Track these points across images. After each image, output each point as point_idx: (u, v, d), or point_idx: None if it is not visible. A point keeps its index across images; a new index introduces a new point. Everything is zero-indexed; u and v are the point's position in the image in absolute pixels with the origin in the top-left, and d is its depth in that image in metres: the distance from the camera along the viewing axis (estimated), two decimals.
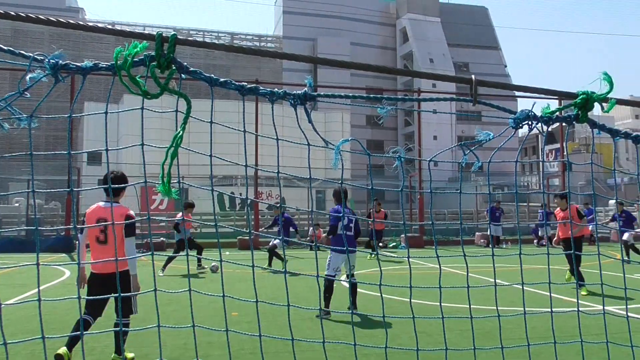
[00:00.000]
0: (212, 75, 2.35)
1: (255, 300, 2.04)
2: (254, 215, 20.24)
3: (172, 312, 6.96)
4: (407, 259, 1.98)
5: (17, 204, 26.11)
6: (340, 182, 2.25)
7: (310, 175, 2.29)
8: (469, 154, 2.14)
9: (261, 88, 2.32)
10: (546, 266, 2.18)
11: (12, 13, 2.07)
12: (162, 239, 18.76)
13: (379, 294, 7.41)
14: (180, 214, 11.40)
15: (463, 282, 2.08)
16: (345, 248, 6.09)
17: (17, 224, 22.68)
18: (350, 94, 2.50)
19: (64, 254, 16.37)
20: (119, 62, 2.06)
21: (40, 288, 3.69)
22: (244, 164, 2.27)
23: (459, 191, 2.33)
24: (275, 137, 2.27)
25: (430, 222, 14.62)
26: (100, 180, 5.19)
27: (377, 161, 35.25)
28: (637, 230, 12.43)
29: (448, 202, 31.95)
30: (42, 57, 2.04)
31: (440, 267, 2.29)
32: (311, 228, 20.58)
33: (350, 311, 3.66)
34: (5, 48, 2.11)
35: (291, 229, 13.81)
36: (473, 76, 2.19)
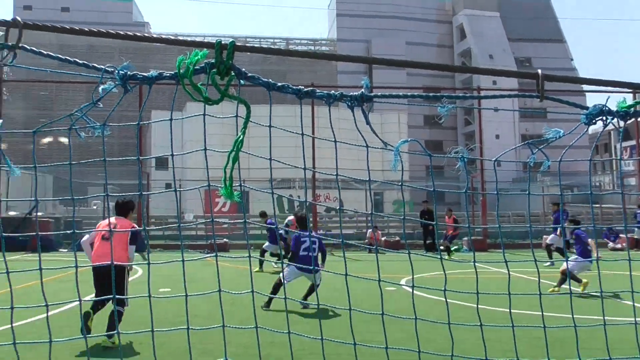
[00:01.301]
0: (269, 80, 2.38)
1: (316, 303, 2.03)
2: (312, 217, 20.38)
3: (235, 311, 7.12)
4: (472, 263, 1.91)
5: (94, 207, 27.65)
6: (400, 183, 2.21)
7: (369, 177, 2.27)
8: (537, 152, 2.04)
9: (318, 91, 2.33)
10: (627, 272, 2.04)
11: (86, 29, 2.18)
12: (225, 240, 19.22)
13: (443, 299, 7.20)
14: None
15: (529, 288, 1.99)
16: (305, 266, 7.13)
17: (94, 225, 24.03)
18: (408, 94, 2.46)
19: (136, 253, 17.14)
20: (181, 71, 2.12)
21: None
22: (303, 167, 2.28)
23: (526, 192, 2.23)
24: (334, 140, 2.26)
25: (497, 225, 14.17)
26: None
27: (436, 162, 34.56)
28: None
29: (512, 204, 30.80)
30: (112, 69, 2.14)
31: (509, 271, 2.20)
32: (369, 230, 20.47)
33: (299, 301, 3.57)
34: (81, 62, 2.23)
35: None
36: (539, 71, 2.09)
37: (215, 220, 2.30)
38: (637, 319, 2.08)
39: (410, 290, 8.37)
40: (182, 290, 2.46)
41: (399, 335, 5.90)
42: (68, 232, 2.67)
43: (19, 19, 2.02)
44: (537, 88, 2.05)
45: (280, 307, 7.04)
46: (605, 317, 2.04)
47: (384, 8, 57.41)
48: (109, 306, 5.44)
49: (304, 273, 7.48)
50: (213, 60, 2.16)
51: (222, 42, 2.16)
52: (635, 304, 1.95)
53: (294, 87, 2.34)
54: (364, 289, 8.95)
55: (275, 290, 7.52)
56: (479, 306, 1.96)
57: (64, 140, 45.03)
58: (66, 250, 17.77)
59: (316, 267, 7.38)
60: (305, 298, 7.53)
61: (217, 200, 29.26)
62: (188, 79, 2.15)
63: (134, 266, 12.31)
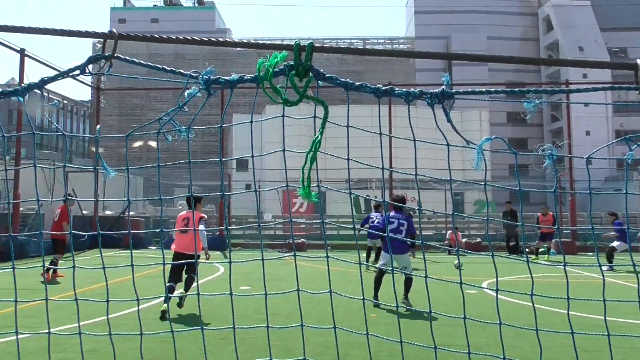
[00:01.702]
0: (347, 80, 2.38)
1: (395, 305, 2.00)
2: None
3: (313, 309, 7.20)
4: (561, 266, 1.79)
5: (180, 207, 29.21)
6: (483, 183, 2.13)
7: (450, 177, 2.21)
8: (635, 149, 1.88)
9: (396, 89, 2.30)
10: None
11: (173, 37, 2.31)
12: (302, 240, 19.54)
13: (528, 304, 6.86)
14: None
15: (625, 295, 1.84)
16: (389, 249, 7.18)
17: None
18: (491, 89, 2.36)
19: (218, 252, 17.83)
20: (261, 74, 2.18)
21: (199, 283, 4.26)
22: (381, 167, 2.26)
23: (622, 192, 2.06)
24: (413, 139, 2.23)
25: (590, 227, 13.28)
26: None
27: (521, 161, 33.00)
28: None
29: (605, 204, 28.75)
30: (196, 74, 2.24)
31: (603, 276, 2.05)
32: (449, 231, 19.92)
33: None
34: (168, 69, 2.36)
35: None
36: (638, 60, 1.93)
37: (293, 220, 2.34)
38: None
39: (492, 293, 8.06)
40: (261, 288, 2.52)
41: (481, 339, 5.69)
42: (157, 230, 2.83)
43: (114, 30, 2.17)
44: (636, 79, 1.89)
45: (358, 307, 7.03)
46: None
47: (464, 2, 55.69)
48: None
49: (394, 255, 7.38)
50: (292, 62, 2.20)
51: (301, 44, 2.19)
52: None
53: (372, 86, 2.32)
54: (445, 292, 8.75)
55: (377, 282, 7.51)
56: (570, 312, 1.84)
57: (153, 143, 47.91)
58: (155, 247, 18.86)
59: (401, 251, 7.42)
60: (406, 296, 7.39)
61: (295, 201, 29.81)
62: (268, 81, 2.20)
63: (215, 264, 12.87)
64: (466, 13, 55.61)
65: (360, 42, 57.36)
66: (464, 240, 19.16)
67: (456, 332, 5.98)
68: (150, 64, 2.33)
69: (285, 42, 2.38)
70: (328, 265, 1.97)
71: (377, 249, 12.43)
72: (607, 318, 1.85)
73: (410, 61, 50.77)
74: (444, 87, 2.12)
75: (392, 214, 7.82)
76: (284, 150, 2.25)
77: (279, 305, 7.24)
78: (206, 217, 7.34)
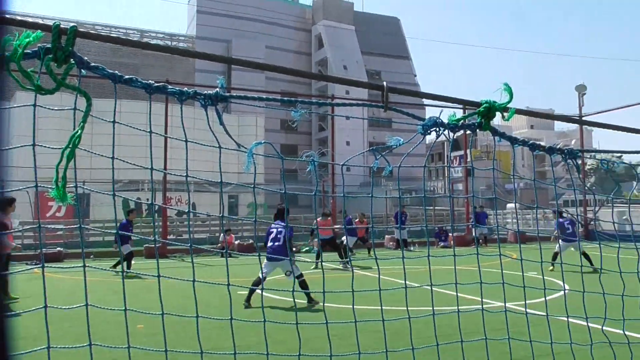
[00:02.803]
0: (116, 72, 2.20)
1: (161, 312, 1.92)
2: (162, 222, 19.38)
3: (69, 328, 6.48)
4: (319, 262, 1.97)
5: None
6: (252, 186, 2.20)
7: (221, 180, 2.22)
8: (380, 159, 2.18)
9: (169, 87, 2.21)
10: (452, 267, 2.28)
11: None
12: (59, 249, 17.40)
13: (291, 299, 7.28)
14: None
15: (374, 285, 2.11)
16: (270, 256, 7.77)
17: None
18: (264, 97, 2.46)
19: None
20: (7, 53, 1.86)
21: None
22: (150, 167, 2.15)
23: (370, 195, 2.36)
24: (185, 139, 2.17)
25: (343, 226, 14.94)
26: None
27: (290, 165, 35.42)
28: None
29: (360, 206, 32.75)
30: None
31: (352, 270, 2.31)
32: (222, 234, 20.17)
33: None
34: None
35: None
36: (385, 83, 2.24)
37: (47, 226, 2.05)
38: (459, 307, 2.33)
39: (265, 294, 8.42)
40: None
41: (253, 339, 5.88)
42: None
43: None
44: (382, 99, 2.19)
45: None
46: (435, 308, 2.25)
47: (246, 10, 57.34)
48: None
49: (275, 263, 7.90)
50: (49, 45, 1.94)
51: (62, 26, 1.94)
52: (459, 294, 2.18)
53: (144, 81, 2.19)
54: (217, 295, 8.80)
55: (254, 287, 7.67)
56: (326, 304, 2.03)
57: None
58: None
59: (283, 257, 7.79)
60: (309, 298, 7.87)
61: (51, 204, 26.41)
62: (16, 62, 1.90)
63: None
64: (248, 20, 57.37)
65: (137, 33, 54.14)
66: (236, 242, 19.62)
67: (227, 333, 6.07)
68: None
69: (46, 22, 2.09)
70: (85, 276, 1.78)
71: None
72: (355, 307, 2.09)
73: (191, 60, 50.02)
74: (218, 89, 2.13)
75: (273, 224, 8.44)
76: (33, 144, 1.96)
77: (28, 326, 6.29)
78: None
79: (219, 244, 19.17)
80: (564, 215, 13.03)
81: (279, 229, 8.14)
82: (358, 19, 63.24)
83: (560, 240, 11.96)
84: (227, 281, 2.08)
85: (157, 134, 2.11)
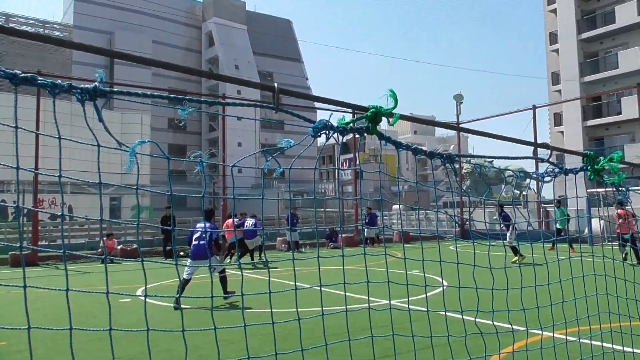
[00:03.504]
0: None
1: (27, 327, 1.73)
2: (33, 227, 17.63)
3: None
4: (208, 267, 1.90)
5: None
6: (136, 187, 2.06)
7: (100, 180, 2.05)
8: (270, 160, 2.16)
9: (40, 79, 2.00)
10: (341, 267, 2.33)
11: None
12: None
13: (170, 305, 7.03)
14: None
15: (265, 288, 2.08)
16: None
17: None
18: (149, 93, 2.32)
19: None
20: None
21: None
22: (16, 167, 1.93)
23: (261, 197, 2.34)
24: (58, 136, 1.98)
25: (234, 229, 14.71)
26: None
27: (178, 166, 34.16)
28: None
29: (252, 208, 32.55)
30: None
31: (242, 273, 2.26)
32: (104, 239, 18.89)
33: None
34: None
35: None
36: (276, 84, 2.22)
37: None
38: (348, 306, 2.38)
39: (149, 300, 8.03)
40: None
41: (136, 349, 5.56)
42: None
43: None
44: (274, 100, 2.17)
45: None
46: (325, 308, 2.28)
47: (130, 1, 54.29)
48: None
49: (198, 262, 8.16)
50: None
51: None
52: (348, 294, 2.23)
53: (9, 70, 1.96)
54: (98, 303, 8.19)
55: (183, 287, 7.81)
56: (214, 309, 1.96)
57: None
58: None
59: (205, 257, 8.02)
60: (225, 293, 8.22)
61: None
62: None
63: None
64: (132, 12, 54.40)
65: (1, 17, 48.87)
66: (119, 247, 18.52)
67: (107, 345, 5.68)
68: None
69: None
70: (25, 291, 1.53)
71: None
72: (244, 310, 2.05)
73: (67, 51, 46.23)
74: (97, 83, 1.96)
75: (199, 224, 9.08)
76: None
77: None
78: None
79: (99, 250, 17.96)
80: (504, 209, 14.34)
81: (204, 230, 8.57)
82: (250, 19, 62.82)
83: (508, 233, 13.34)
84: (106, 289, 1.92)
85: (23, 129, 1.90)
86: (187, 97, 2.16)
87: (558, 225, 17.10)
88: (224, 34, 58.94)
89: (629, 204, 3.64)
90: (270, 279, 2.20)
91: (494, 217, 19.25)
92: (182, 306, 7.48)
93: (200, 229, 8.51)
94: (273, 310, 2.16)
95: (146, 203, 35.94)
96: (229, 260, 14.71)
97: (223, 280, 8.43)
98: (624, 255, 11.89)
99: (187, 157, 2.29)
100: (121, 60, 46.50)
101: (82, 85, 2.00)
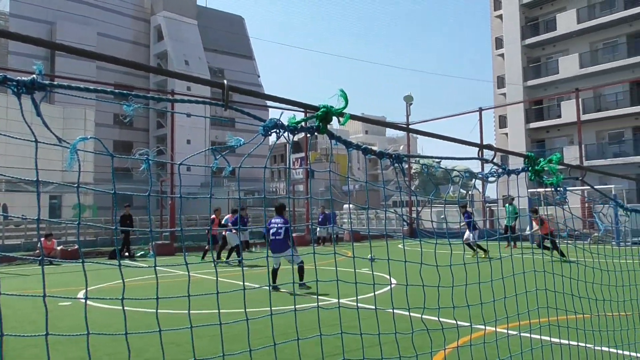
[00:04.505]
0: None
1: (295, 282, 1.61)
2: None
3: None
4: (153, 268, 1.84)
5: None
6: (77, 185, 1.97)
7: (37, 178, 1.95)
8: (219, 158, 2.12)
9: None
10: (291, 266, 2.32)
11: None
12: None
13: (113, 307, 6.83)
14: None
15: (213, 288, 2.05)
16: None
17: None
18: (93, 88, 2.23)
19: None
20: None
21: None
22: None
23: (209, 196, 2.29)
24: None
25: (180, 229, 14.35)
26: None
27: (123, 164, 33.02)
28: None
29: (201, 208, 31.98)
30: None
31: (189, 274, 2.21)
32: (42, 239, 18.05)
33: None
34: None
35: None
36: (225, 81, 2.18)
37: None
38: (297, 306, 2.37)
39: (90, 302, 7.74)
40: None
41: (76, 354, 5.34)
42: None
43: None
44: (223, 98, 2.13)
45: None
46: (274, 308, 2.26)
47: None
48: None
49: (277, 255, 8.52)
50: None
51: None
52: (297, 293, 2.22)
53: None
54: (34, 307, 7.82)
55: (274, 275, 8.34)
56: (160, 311, 1.91)
57: None
58: None
59: (281, 251, 8.43)
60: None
61: None
62: None
63: None
64: (76, 2, 52.24)
65: None
66: (59, 248, 17.75)
67: (43, 352, 5.42)
68: None
69: None
70: None
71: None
72: (191, 311, 2.00)
73: (3, 41, 43.84)
74: (35, 76, 1.86)
75: (272, 220, 9.19)
76: None
77: None
78: None
79: (37, 251, 17.15)
80: (467, 209, 15.31)
81: (279, 225, 8.88)
82: (201, 15, 61.65)
83: (468, 231, 14.37)
84: (43, 292, 1.82)
85: None
86: (133, 93, 2.08)
87: (507, 222, 17.85)
88: (173, 28, 57.57)
89: (566, 202, 3.82)
90: (219, 278, 2.16)
91: (441, 217, 19.79)
92: (125, 308, 7.24)
93: (276, 225, 8.88)
94: (221, 310, 2.13)
95: (89, 202, 34.61)
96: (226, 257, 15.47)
97: (300, 270, 8.67)
98: (557, 252, 12.63)
99: (133, 155, 2.21)
100: (64, 53, 44.58)
101: (19, 78, 1.89)
